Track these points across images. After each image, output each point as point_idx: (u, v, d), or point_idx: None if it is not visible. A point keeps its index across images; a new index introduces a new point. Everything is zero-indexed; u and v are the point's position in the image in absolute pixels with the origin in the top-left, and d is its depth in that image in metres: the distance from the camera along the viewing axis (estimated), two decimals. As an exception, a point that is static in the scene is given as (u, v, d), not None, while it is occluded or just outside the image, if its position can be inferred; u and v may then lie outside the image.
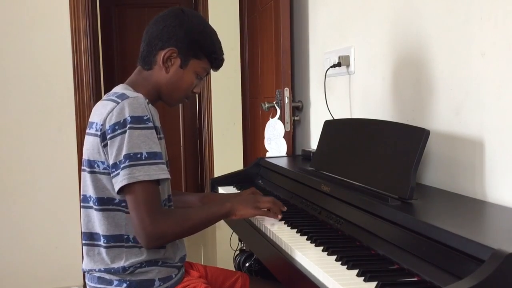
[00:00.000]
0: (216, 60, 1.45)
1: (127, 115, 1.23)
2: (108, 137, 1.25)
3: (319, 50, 2.28)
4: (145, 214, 1.21)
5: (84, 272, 1.38)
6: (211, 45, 1.43)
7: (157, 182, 1.26)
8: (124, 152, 1.22)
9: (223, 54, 1.47)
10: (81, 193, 1.36)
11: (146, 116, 1.25)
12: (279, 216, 1.44)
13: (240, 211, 1.39)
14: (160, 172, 1.25)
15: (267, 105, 2.40)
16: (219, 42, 1.45)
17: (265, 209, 1.44)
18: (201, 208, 1.41)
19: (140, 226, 1.22)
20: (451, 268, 0.91)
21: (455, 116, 1.38)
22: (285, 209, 1.47)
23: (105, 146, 1.26)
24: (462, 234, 0.91)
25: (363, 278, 0.98)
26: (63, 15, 2.96)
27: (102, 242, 1.31)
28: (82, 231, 1.35)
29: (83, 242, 1.35)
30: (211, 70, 1.48)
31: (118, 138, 1.23)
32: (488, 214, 1.18)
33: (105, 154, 1.27)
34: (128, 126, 1.23)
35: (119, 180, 1.22)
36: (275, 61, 2.49)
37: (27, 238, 3.01)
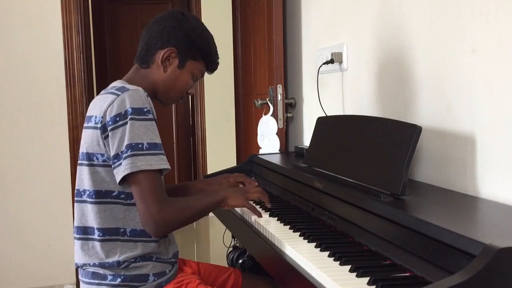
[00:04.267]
0: (212, 63, 1.50)
1: (128, 106, 1.25)
2: (109, 128, 1.26)
3: (312, 47, 2.28)
4: (151, 203, 1.24)
5: (77, 268, 1.38)
6: (208, 48, 1.48)
7: (160, 171, 1.28)
8: (126, 143, 1.24)
9: (218, 58, 1.52)
10: (75, 188, 1.36)
11: (146, 108, 1.27)
12: (264, 212, 1.49)
13: (232, 201, 1.42)
14: (161, 162, 1.27)
15: (260, 102, 2.41)
16: (215, 47, 1.51)
17: (254, 201, 1.49)
18: (198, 197, 1.45)
19: (147, 214, 1.24)
20: (442, 263, 0.91)
21: (446, 112, 1.38)
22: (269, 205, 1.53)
23: (106, 137, 1.27)
24: (453, 230, 0.91)
25: (355, 273, 0.98)
26: (55, 11, 2.94)
27: (96, 235, 1.31)
28: (75, 225, 1.36)
29: (76, 236, 1.35)
30: (206, 73, 1.54)
31: (120, 129, 1.25)
32: (479, 209, 1.19)
33: (105, 146, 1.28)
34: (129, 117, 1.25)
35: (121, 170, 1.24)
36: (268, 58, 2.49)
37: (19, 235, 2.99)
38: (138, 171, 1.23)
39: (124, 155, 1.24)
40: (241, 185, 1.75)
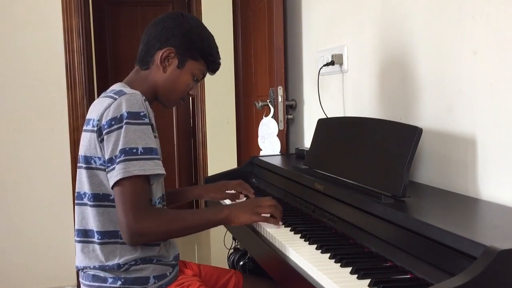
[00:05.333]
0: (212, 62, 1.48)
1: (124, 110, 1.24)
2: (104, 132, 1.26)
3: (313, 48, 2.28)
4: (130, 210, 1.21)
5: (78, 270, 1.38)
6: (208, 47, 1.46)
7: (148, 179, 1.26)
8: (120, 147, 1.23)
9: (220, 58, 1.50)
10: (76, 190, 1.36)
11: (143, 112, 1.26)
12: (280, 223, 1.37)
13: (239, 218, 1.33)
14: (156, 167, 1.25)
15: (260, 103, 2.41)
16: (216, 46, 1.49)
17: (266, 215, 1.37)
18: (195, 212, 1.40)
19: (124, 221, 1.21)
20: (443, 265, 0.91)
21: (447, 114, 1.38)
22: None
23: (101, 141, 1.27)
24: (454, 232, 0.91)
25: (356, 275, 0.98)
26: (56, 14, 2.94)
27: (96, 238, 1.31)
28: (76, 228, 1.36)
29: (77, 239, 1.35)
30: (208, 74, 1.52)
31: (115, 133, 1.24)
32: (480, 211, 1.19)
33: (101, 149, 1.27)
34: (124, 121, 1.24)
35: (114, 175, 1.23)
36: (269, 60, 2.49)
37: (20, 237, 2.99)
38: (125, 177, 1.21)
39: (118, 160, 1.23)
40: (242, 196, 1.73)
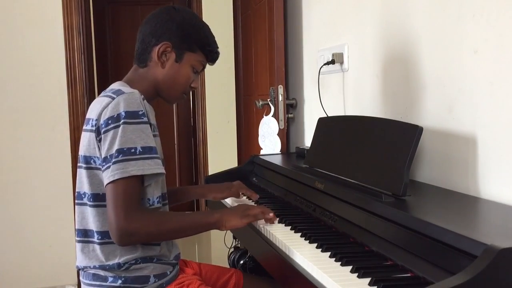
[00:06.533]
0: (211, 52, 1.46)
1: (121, 110, 1.24)
2: (102, 131, 1.25)
3: (313, 47, 2.28)
4: (121, 209, 1.20)
5: (78, 270, 1.38)
6: (204, 38, 1.44)
7: (142, 180, 1.25)
8: (116, 147, 1.22)
9: (218, 47, 1.48)
10: (76, 190, 1.36)
11: (141, 111, 1.25)
12: (271, 214, 1.38)
13: (230, 222, 1.32)
14: (155, 166, 1.24)
15: (261, 102, 2.40)
16: (213, 36, 1.47)
17: (255, 215, 1.37)
18: (186, 214, 1.36)
19: (113, 220, 1.20)
20: (444, 264, 0.91)
21: (448, 112, 1.38)
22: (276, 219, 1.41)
23: (99, 141, 1.26)
24: (455, 230, 0.91)
25: (356, 274, 0.98)
26: (56, 12, 2.94)
27: (96, 238, 1.31)
28: (76, 228, 1.35)
29: (77, 239, 1.35)
30: (207, 64, 1.49)
31: (111, 132, 1.23)
32: (481, 210, 1.19)
33: (99, 149, 1.27)
34: (122, 121, 1.23)
35: (110, 174, 1.22)
36: (269, 59, 2.49)
37: (21, 236, 3.00)
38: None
39: (114, 160, 1.21)
40: (244, 196, 1.72)
